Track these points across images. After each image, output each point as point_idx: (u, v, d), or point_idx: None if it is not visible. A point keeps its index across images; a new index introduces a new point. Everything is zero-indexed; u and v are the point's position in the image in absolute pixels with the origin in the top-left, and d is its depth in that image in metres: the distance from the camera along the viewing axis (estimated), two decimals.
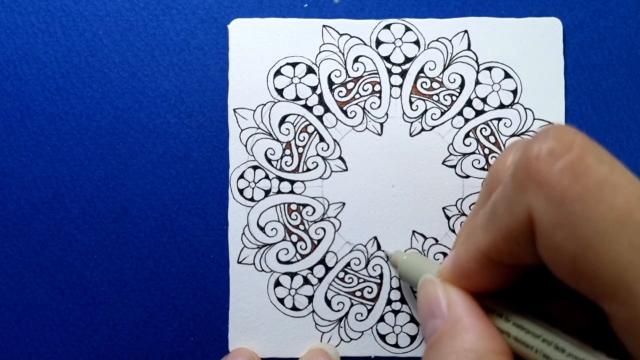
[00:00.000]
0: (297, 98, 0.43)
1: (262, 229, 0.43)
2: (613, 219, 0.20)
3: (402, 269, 0.38)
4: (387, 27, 0.44)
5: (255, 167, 0.43)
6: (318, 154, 0.43)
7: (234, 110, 0.43)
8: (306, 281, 0.43)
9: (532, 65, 0.43)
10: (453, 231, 0.43)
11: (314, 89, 0.43)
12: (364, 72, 0.44)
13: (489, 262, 0.26)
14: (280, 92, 0.43)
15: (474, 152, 0.43)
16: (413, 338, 0.42)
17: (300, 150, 0.43)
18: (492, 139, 0.43)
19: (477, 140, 0.43)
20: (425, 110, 0.43)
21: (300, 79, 0.43)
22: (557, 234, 0.21)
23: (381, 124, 0.43)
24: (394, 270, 0.42)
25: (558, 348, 0.25)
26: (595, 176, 0.21)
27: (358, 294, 0.43)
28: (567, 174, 0.21)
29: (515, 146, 0.28)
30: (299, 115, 0.43)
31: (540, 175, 0.22)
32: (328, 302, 0.43)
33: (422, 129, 0.43)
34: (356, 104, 0.43)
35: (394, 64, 0.44)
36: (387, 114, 0.43)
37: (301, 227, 0.43)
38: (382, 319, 0.43)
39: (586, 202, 0.21)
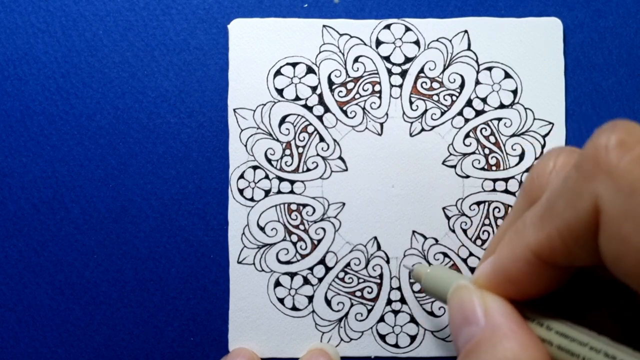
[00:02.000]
0: (297, 98, 0.43)
1: (262, 229, 0.43)
2: None
3: (427, 282, 0.36)
4: (387, 27, 0.44)
5: (255, 167, 0.43)
6: (318, 154, 0.43)
7: (234, 110, 0.43)
8: (306, 281, 0.43)
9: (532, 65, 0.43)
10: (453, 231, 0.43)
11: (314, 89, 0.43)
12: (364, 72, 0.44)
13: (539, 264, 0.25)
14: (280, 92, 0.43)
15: (474, 152, 0.43)
16: (413, 338, 0.42)
17: (300, 150, 0.43)
18: (492, 139, 0.43)
19: (477, 140, 0.43)
20: (425, 110, 0.43)
21: (300, 79, 0.43)
22: (625, 225, 0.21)
23: (381, 124, 0.43)
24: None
25: (608, 356, 0.24)
26: None
27: (358, 294, 0.43)
28: (638, 164, 0.21)
29: (555, 152, 0.27)
30: (299, 115, 0.43)
31: (611, 165, 0.21)
32: (328, 302, 0.43)
33: (422, 129, 0.43)
34: (356, 104, 0.43)
35: (394, 64, 0.44)
36: (387, 114, 0.43)
37: (301, 227, 0.43)
38: (382, 319, 0.43)
39: None
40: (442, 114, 0.43)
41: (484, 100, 0.43)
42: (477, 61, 0.44)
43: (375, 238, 0.43)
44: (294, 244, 0.43)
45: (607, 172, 0.21)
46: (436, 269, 0.35)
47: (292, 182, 0.43)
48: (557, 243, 0.24)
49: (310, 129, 0.43)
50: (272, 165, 0.43)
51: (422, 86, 0.43)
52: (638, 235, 0.21)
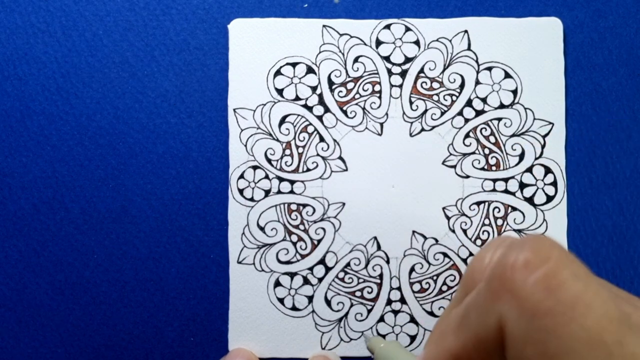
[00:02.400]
0: (297, 98, 0.43)
1: (262, 229, 0.43)
2: (583, 339, 0.20)
3: (378, 357, 0.37)
4: (387, 27, 0.44)
5: (255, 167, 0.43)
6: (318, 154, 0.43)
7: (234, 110, 0.43)
8: (306, 281, 0.43)
9: (533, 65, 0.43)
10: (453, 231, 0.43)
11: (314, 89, 0.43)
12: (364, 72, 0.44)
13: None
14: (280, 92, 0.43)
15: (474, 152, 0.43)
16: (413, 338, 0.42)
17: (300, 150, 0.43)
18: (492, 139, 0.43)
19: (477, 140, 0.43)
20: (425, 110, 0.43)
21: (300, 79, 0.43)
22: (526, 348, 0.21)
23: (381, 124, 0.43)
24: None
25: None
26: (569, 292, 0.20)
27: (358, 294, 0.43)
28: (540, 287, 0.21)
29: (494, 245, 0.27)
30: (299, 115, 0.43)
31: (514, 286, 0.21)
32: (328, 302, 0.43)
33: (422, 129, 0.43)
34: (356, 104, 0.43)
35: (394, 64, 0.44)
36: (387, 114, 0.43)
37: (301, 227, 0.43)
38: (382, 319, 0.43)
39: (558, 318, 0.20)
40: (442, 114, 0.43)
41: (484, 100, 0.43)
42: (477, 61, 0.44)
43: (375, 238, 0.43)
44: (294, 244, 0.43)
45: (511, 294, 0.21)
46: (389, 347, 0.36)
47: (292, 182, 0.43)
48: (472, 352, 0.24)
49: (310, 129, 0.43)
50: (272, 165, 0.43)
51: (422, 86, 0.43)
52: (539, 359, 0.20)
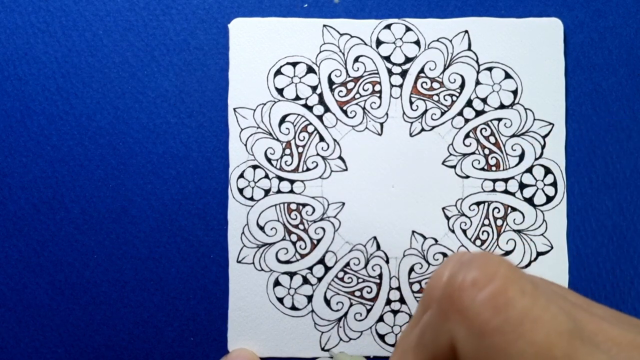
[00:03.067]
0: (297, 98, 0.43)
1: (261, 228, 0.43)
2: (532, 355, 0.20)
3: None
4: (388, 27, 0.44)
5: (255, 167, 0.43)
6: (318, 154, 0.43)
7: (234, 109, 0.43)
8: (305, 281, 0.43)
9: (533, 65, 0.43)
10: (452, 231, 0.43)
11: (314, 88, 0.43)
12: (364, 72, 0.44)
13: None
14: (280, 91, 0.43)
15: (474, 153, 0.43)
16: None
17: (300, 149, 0.43)
18: (492, 139, 0.43)
19: (477, 141, 0.43)
20: (426, 111, 0.43)
21: (300, 78, 0.43)
22: None
23: (381, 124, 0.43)
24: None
25: None
26: (517, 309, 0.20)
27: (357, 293, 0.43)
28: (488, 306, 0.21)
29: (451, 261, 0.27)
30: (299, 114, 0.43)
31: (463, 306, 0.21)
32: (327, 302, 0.43)
33: (422, 129, 0.43)
34: (356, 103, 0.43)
35: (394, 64, 0.44)
36: (387, 114, 0.43)
37: (301, 226, 0.43)
38: (381, 319, 0.43)
39: (506, 336, 0.20)
40: (442, 114, 0.43)
41: (484, 100, 0.43)
42: (477, 61, 0.43)
43: (375, 238, 0.43)
44: (294, 243, 0.43)
45: (460, 313, 0.21)
46: None
47: (292, 182, 0.43)
48: None
49: (310, 128, 0.43)
50: (272, 164, 0.43)
51: (422, 86, 0.43)
52: None
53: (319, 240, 0.43)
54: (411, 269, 0.43)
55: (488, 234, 0.43)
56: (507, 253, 0.43)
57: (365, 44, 0.44)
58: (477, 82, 0.43)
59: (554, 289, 0.24)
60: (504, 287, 0.21)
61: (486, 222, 0.43)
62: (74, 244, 0.43)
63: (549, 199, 0.43)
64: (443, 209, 0.43)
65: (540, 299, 0.21)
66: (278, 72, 0.43)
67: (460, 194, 0.43)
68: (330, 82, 0.43)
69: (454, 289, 0.22)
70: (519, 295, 0.21)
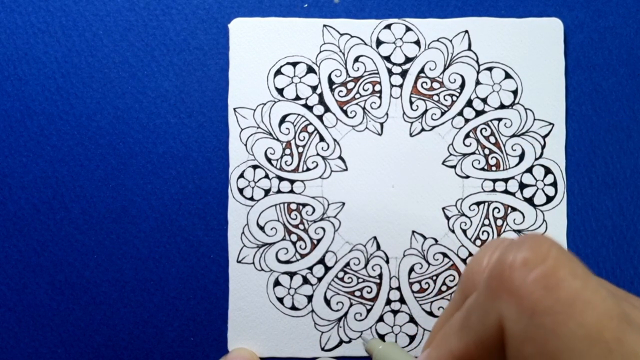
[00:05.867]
0: (298, 97, 0.43)
1: (261, 228, 0.43)
2: (582, 337, 0.20)
3: (377, 359, 0.37)
4: (388, 27, 0.44)
5: (255, 167, 0.43)
6: (318, 154, 0.43)
7: (234, 109, 0.43)
8: (305, 281, 0.43)
9: (533, 65, 0.43)
10: (453, 231, 0.43)
11: (314, 88, 0.43)
12: (364, 72, 0.44)
13: None
14: (280, 91, 0.43)
15: (474, 153, 0.43)
16: (412, 338, 0.43)
17: (300, 149, 0.43)
18: (492, 139, 0.43)
19: (477, 141, 0.43)
20: (426, 110, 0.43)
21: (300, 78, 0.43)
22: (526, 347, 0.21)
23: (381, 124, 0.43)
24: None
25: None
26: (568, 290, 0.20)
27: (357, 293, 0.43)
28: (539, 285, 0.21)
29: (491, 246, 0.27)
30: (299, 114, 0.43)
31: (513, 285, 0.21)
32: (327, 302, 0.43)
33: (422, 129, 0.43)
34: (356, 103, 0.43)
35: (394, 63, 0.44)
36: (387, 113, 0.43)
37: (301, 226, 0.43)
38: (381, 319, 0.43)
39: (557, 317, 0.20)
40: (442, 114, 0.43)
41: (484, 100, 0.43)
42: (477, 61, 0.43)
43: (375, 238, 0.43)
44: (294, 243, 0.43)
45: (510, 292, 0.21)
46: (387, 348, 0.36)
47: (292, 182, 0.43)
48: (474, 353, 0.24)
49: (310, 128, 0.43)
50: (272, 164, 0.43)
51: (422, 86, 0.43)
52: (538, 357, 0.21)
53: (319, 240, 0.43)
54: (411, 269, 0.43)
55: (488, 234, 0.43)
56: None
57: (366, 44, 0.44)
58: (477, 82, 0.43)
59: (598, 279, 0.24)
60: (556, 268, 0.21)
61: (486, 222, 0.43)
62: (74, 244, 0.43)
63: (549, 199, 0.43)
64: (443, 209, 0.43)
65: (591, 282, 0.21)
66: (278, 72, 0.43)
67: (460, 194, 0.43)
68: (331, 82, 0.43)
69: (504, 268, 0.22)
70: (570, 276, 0.21)
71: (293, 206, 0.43)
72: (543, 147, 0.43)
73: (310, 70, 0.43)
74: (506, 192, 0.43)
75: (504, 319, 0.22)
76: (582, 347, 0.20)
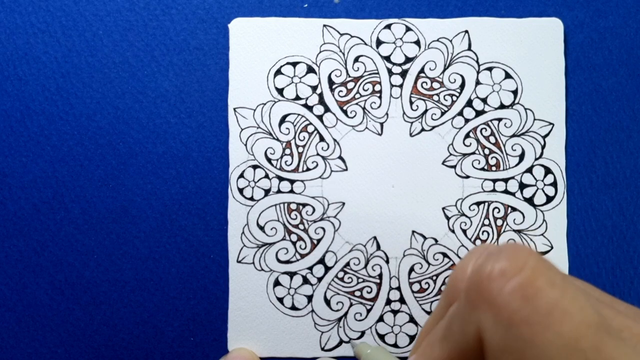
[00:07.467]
0: (298, 97, 0.43)
1: (261, 228, 0.43)
2: (560, 347, 0.20)
3: None
4: (388, 27, 0.44)
5: (255, 167, 0.43)
6: (318, 154, 0.43)
7: (234, 109, 0.43)
8: (305, 281, 0.43)
9: (533, 65, 0.43)
10: (453, 231, 0.43)
11: (314, 88, 0.43)
12: (365, 71, 0.44)
13: None
14: (280, 91, 0.43)
15: (474, 153, 0.43)
16: (412, 338, 0.43)
17: (300, 149, 0.43)
18: (492, 139, 0.43)
19: (477, 141, 0.43)
20: (426, 110, 0.43)
21: (300, 78, 0.43)
22: (504, 357, 0.21)
23: (381, 124, 0.43)
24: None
25: None
26: (545, 300, 0.20)
27: (357, 293, 0.43)
28: (516, 296, 0.21)
29: (475, 253, 0.27)
30: (299, 114, 0.43)
31: (491, 296, 0.21)
32: (327, 302, 0.43)
33: (422, 129, 0.43)
34: (356, 103, 0.43)
35: (394, 63, 0.44)
36: (387, 113, 0.43)
37: (301, 226, 0.43)
38: (381, 319, 0.43)
39: (534, 327, 0.20)
40: (442, 114, 0.43)
41: (484, 100, 0.43)
42: (477, 61, 0.43)
43: (375, 238, 0.43)
44: (294, 243, 0.43)
45: (488, 303, 0.21)
46: (375, 353, 0.36)
47: (292, 182, 0.43)
48: None
49: (310, 128, 0.43)
50: (272, 164, 0.43)
51: (422, 86, 0.43)
52: None
53: (319, 240, 0.43)
54: (411, 269, 0.43)
55: (488, 234, 0.43)
56: None
57: (366, 44, 0.44)
58: (477, 82, 0.43)
59: (578, 285, 0.24)
60: (533, 277, 0.21)
61: (486, 222, 0.43)
62: (74, 244, 0.43)
63: (549, 199, 0.43)
64: (443, 209, 0.43)
65: (569, 291, 0.21)
66: (278, 72, 0.43)
67: (460, 194, 0.43)
68: (331, 82, 0.43)
69: (482, 279, 0.22)
70: (548, 286, 0.21)
71: (293, 206, 0.43)
72: (543, 147, 0.43)
73: (310, 70, 0.43)
74: (506, 192, 0.43)
75: (482, 330, 0.22)
76: (560, 356, 0.20)
